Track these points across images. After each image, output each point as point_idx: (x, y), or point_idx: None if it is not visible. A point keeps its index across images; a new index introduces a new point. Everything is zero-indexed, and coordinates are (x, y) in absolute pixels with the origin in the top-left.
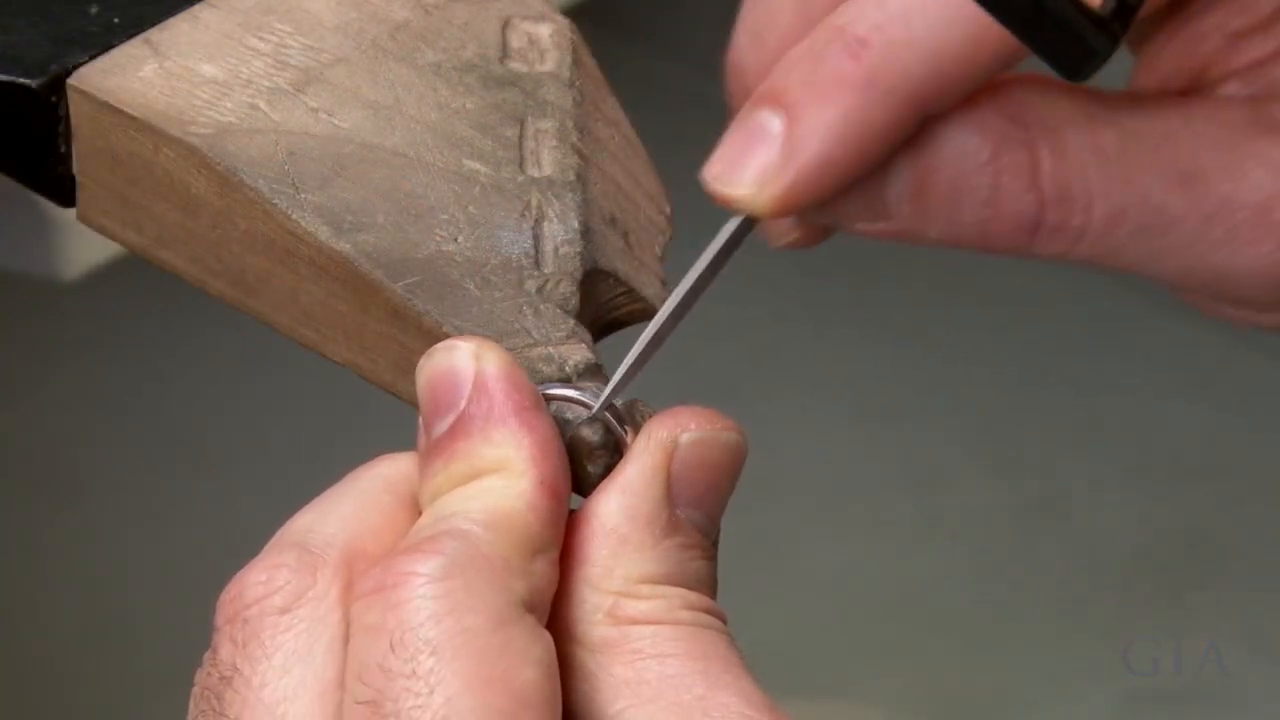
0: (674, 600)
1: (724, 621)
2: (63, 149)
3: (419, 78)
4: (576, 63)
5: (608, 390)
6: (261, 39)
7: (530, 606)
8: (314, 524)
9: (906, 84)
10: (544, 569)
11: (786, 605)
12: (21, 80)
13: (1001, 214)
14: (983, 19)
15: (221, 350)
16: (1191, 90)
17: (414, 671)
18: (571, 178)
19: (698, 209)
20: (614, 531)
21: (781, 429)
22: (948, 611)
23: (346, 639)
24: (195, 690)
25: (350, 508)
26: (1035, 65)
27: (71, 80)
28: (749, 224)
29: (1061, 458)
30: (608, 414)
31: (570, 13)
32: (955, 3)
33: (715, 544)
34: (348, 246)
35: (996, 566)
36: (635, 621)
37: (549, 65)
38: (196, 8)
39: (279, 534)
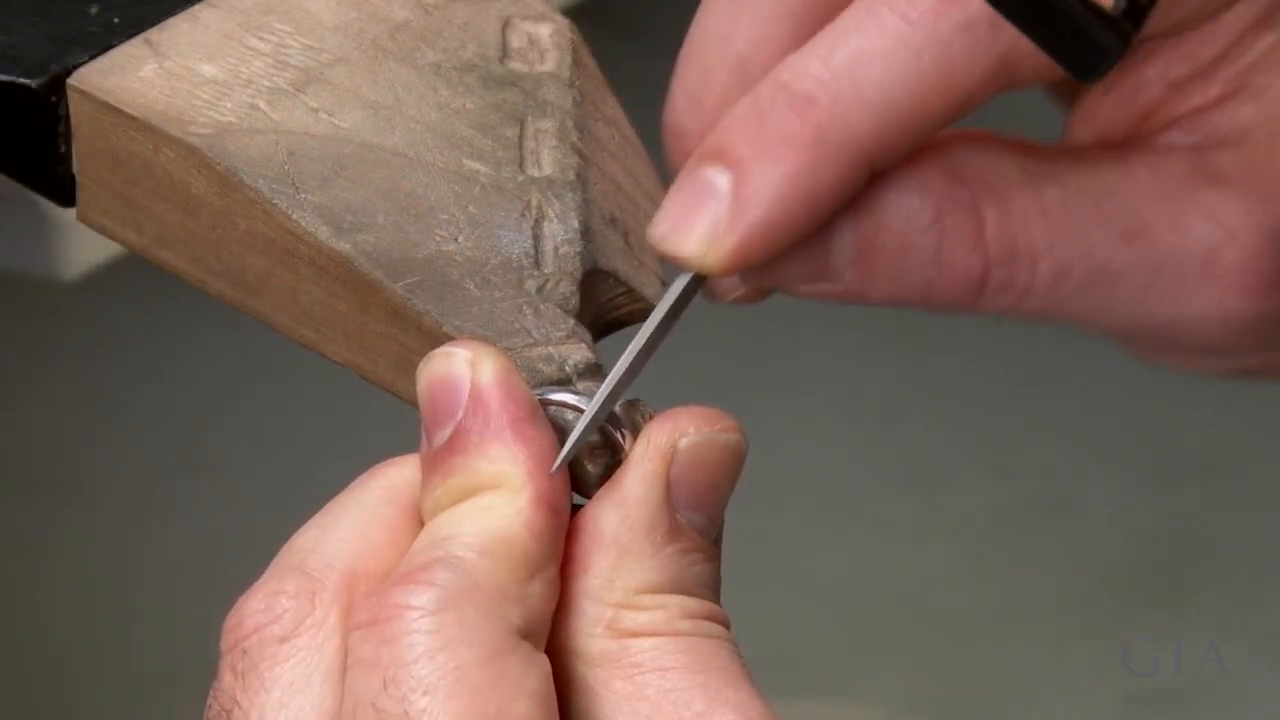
0: (674, 610)
1: (727, 625)
2: (63, 149)
3: (419, 78)
4: (576, 63)
5: (588, 415)
6: (261, 39)
7: (526, 632)
8: (315, 543)
9: (854, 141)
10: (541, 590)
11: (786, 605)
12: (21, 80)
13: (946, 274)
14: (929, 72)
15: (221, 350)
16: (1132, 140)
17: (406, 712)
18: (571, 178)
19: None
20: (614, 542)
21: (781, 429)
22: (948, 611)
23: (345, 668)
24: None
25: (351, 523)
26: (980, 120)
27: (71, 80)
28: (698, 281)
29: (1061, 458)
30: (605, 421)
31: (570, 13)
32: (900, 65)
33: (718, 543)
34: (348, 246)
35: (996, 566)
36: (635, 634)
37: (549, 65)
38: (196, 8)
39: (281, 554)
